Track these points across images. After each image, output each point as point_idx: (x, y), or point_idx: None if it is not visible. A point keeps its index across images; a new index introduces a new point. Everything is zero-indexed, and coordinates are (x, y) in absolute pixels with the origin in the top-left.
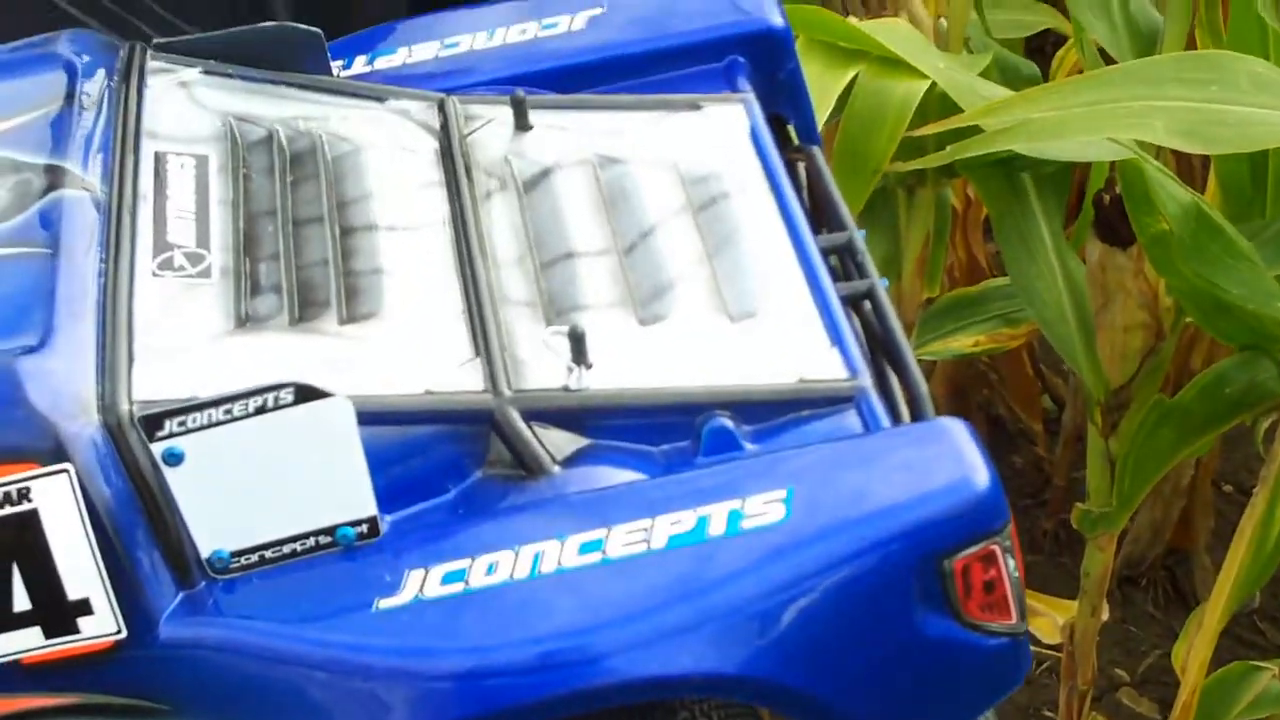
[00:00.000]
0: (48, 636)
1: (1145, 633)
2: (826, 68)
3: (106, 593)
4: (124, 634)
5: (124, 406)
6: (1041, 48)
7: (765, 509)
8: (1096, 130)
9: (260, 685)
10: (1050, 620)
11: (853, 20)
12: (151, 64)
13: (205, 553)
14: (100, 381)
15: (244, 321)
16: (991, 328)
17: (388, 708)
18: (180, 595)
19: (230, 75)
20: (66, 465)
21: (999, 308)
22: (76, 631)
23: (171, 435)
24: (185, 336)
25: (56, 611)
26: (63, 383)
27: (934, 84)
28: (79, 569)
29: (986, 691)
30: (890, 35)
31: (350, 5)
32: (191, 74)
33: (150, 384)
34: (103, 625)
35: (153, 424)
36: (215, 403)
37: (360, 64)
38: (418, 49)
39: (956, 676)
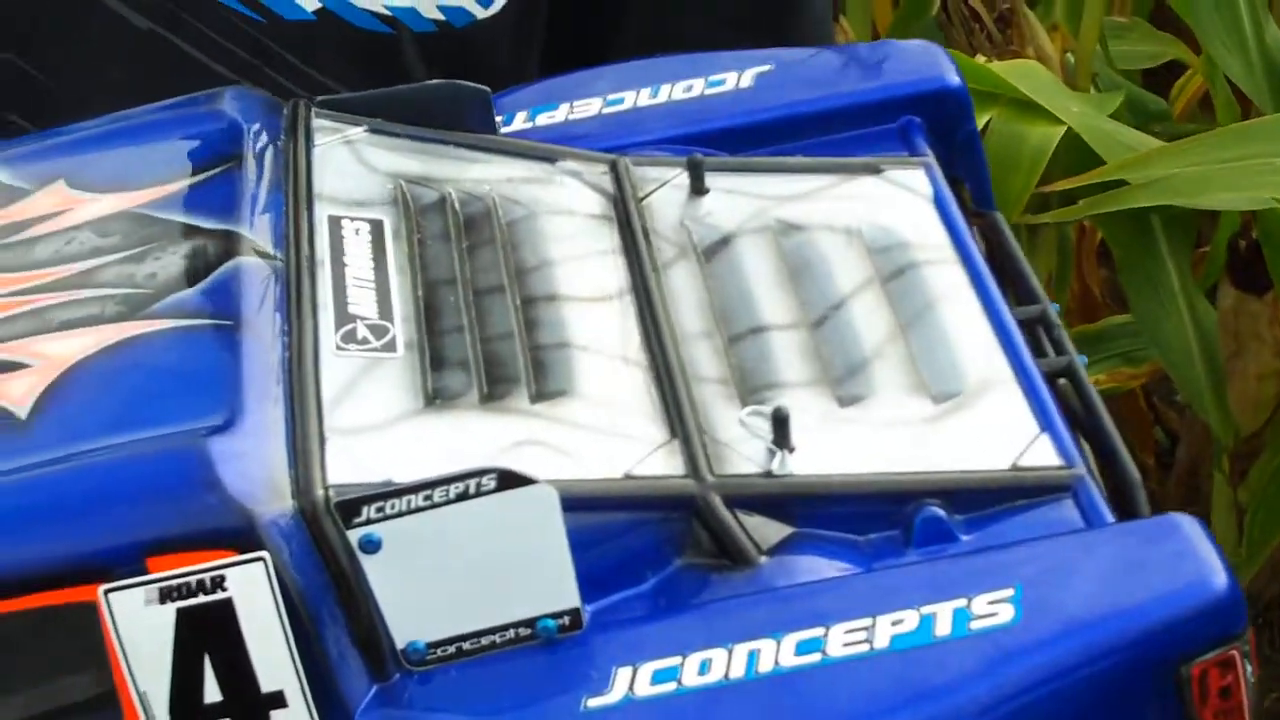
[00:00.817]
0: None
1: (1263, 674)
2: None
3: (301, 686)
4: None
5: (319, 491)
6: (1156, 72)
7: (993, 609)
8: (1242, 188)
9: None
10: None
11: (980, 59)
12: (316, 121)
13: (401, 644)
14: (293, 464)
15: (433, 399)
16: (1112, 366)
17: None
18: (374, 688)
19: (396, 134)
20: (263, 553)
21: (1119, 346)
22: None
23: (369, 522)
24: (374, 416)
25: (248, 704)
26: (255, 465)
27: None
28: (273, 661)
29: None
30: (1024, 78)
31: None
32: (357, 132)
33: (343, 467)
34: (296, 718)
35: (349, 510)
36: (414, 488)
37: (520, 120)
38: (579, 105)
39: None
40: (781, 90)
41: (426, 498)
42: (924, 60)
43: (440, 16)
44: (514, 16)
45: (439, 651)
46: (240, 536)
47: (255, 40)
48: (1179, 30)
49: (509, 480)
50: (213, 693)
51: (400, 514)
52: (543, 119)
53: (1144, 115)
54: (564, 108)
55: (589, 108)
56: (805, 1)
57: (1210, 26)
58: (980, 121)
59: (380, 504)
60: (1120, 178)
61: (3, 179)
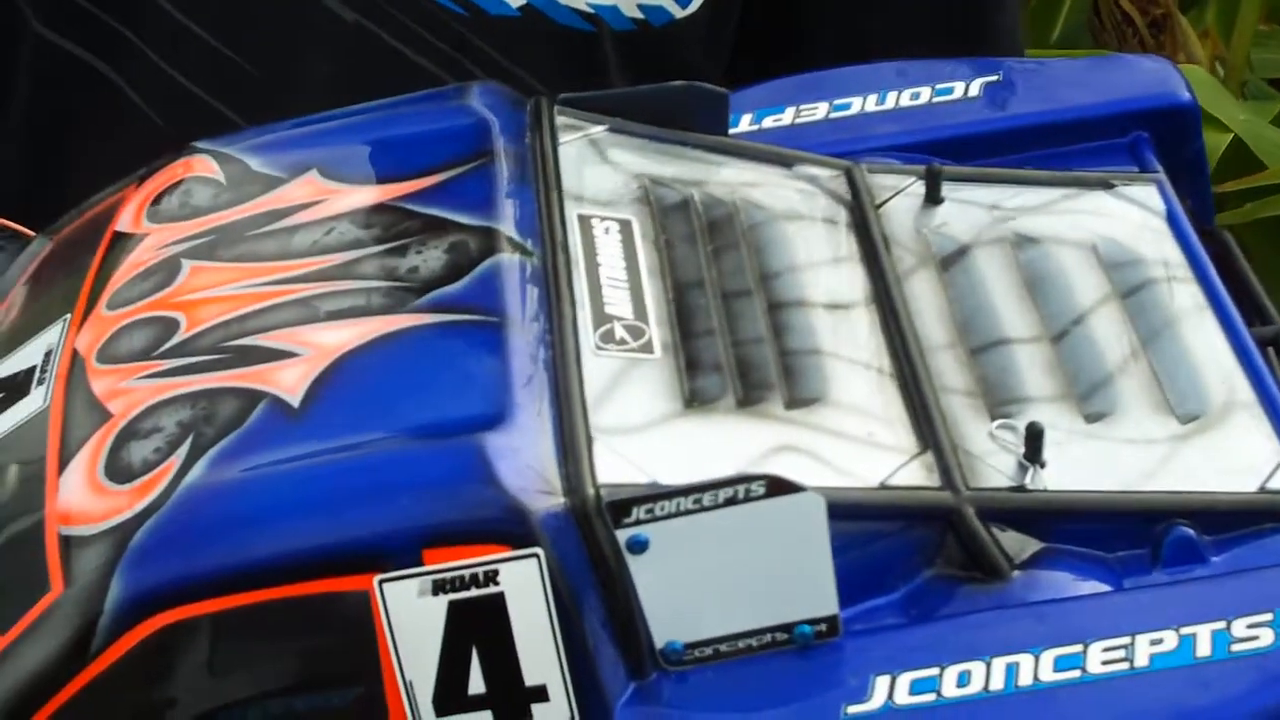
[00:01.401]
0: None
1: None
2: None
3: (564, 681)
4: None
5: (589, 490)
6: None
7: (1254, 632)
8: None
9: None
10: None
11: None
12: (559, 119)
13: (659, 643)
14: (562, 462)
15: (690, 402)
16: None
17: None
18: (632, 686)
19: (636, 134)
20: (536, 549)
21: None
22: (528, 717)
23: (638, 522)
24: (636, 416)
25: (511, 697)
26: (528, 462)
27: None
28: (539, 655)
29: None
30: (1194, 85)
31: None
32: (598, 131)
33: (609, 467)
34: (557, 713)
35: (620, 510)
36: (684, 491)
37: (746, 122)
38: (805, 109)
39: None
40: (1010, 101)
41: (696, 501)
42: (1155, 75)
43: (640, 15)
44: (708, 17)
45: (696, 652)
46: (515, 532)
47: (459, 35)
48: None
49: (778, 487)
50: (477, 684)
51: (669, 516)
52: (769, 121)
53: None
54: (790, 111)
55: (815, 112)
56: (998, 12)
57: None
58: None
59: (650, 505)
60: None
61: (254, 167)
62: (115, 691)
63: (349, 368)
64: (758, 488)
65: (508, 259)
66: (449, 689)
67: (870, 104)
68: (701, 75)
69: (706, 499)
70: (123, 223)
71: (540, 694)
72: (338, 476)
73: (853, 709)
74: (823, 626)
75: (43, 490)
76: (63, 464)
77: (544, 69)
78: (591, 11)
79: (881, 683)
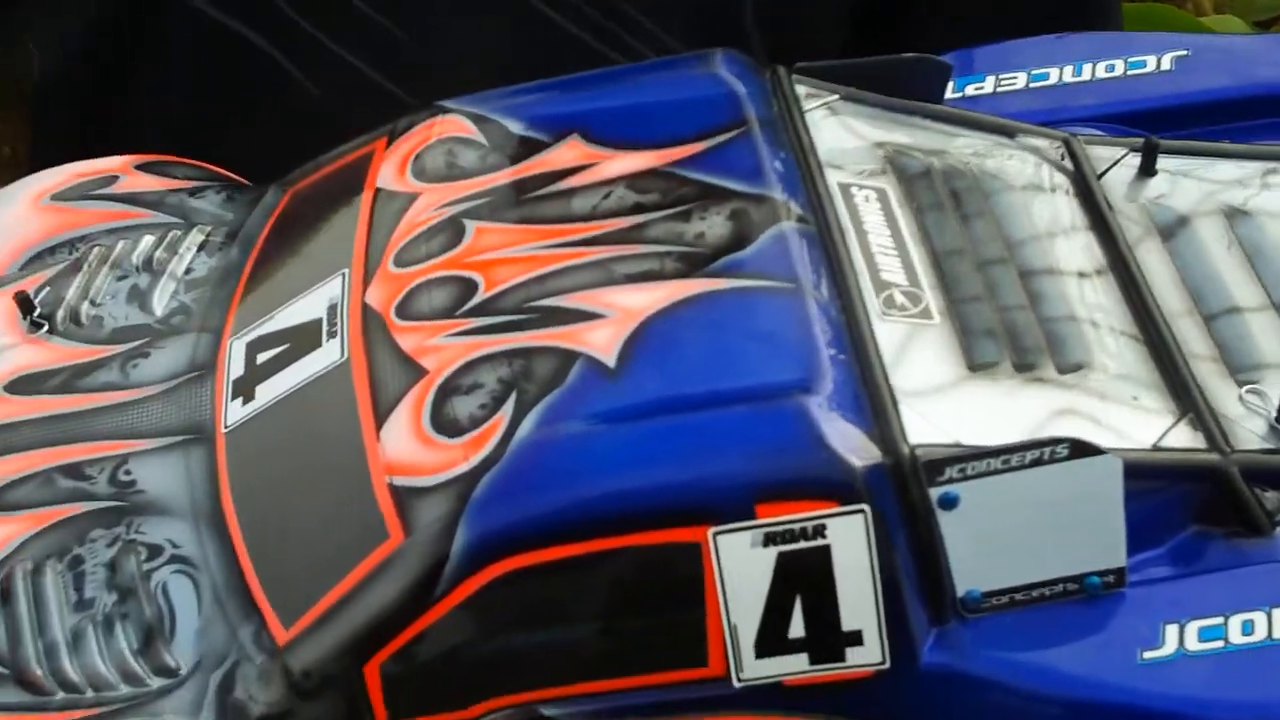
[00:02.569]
0: (812, 662)
1: None
2: None
3: (879, 627)
4: (886, 664)
5: (904, 450)
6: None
7: None
8: None
9: (1007, 711)
10: None
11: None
12: (796, 88)
13: (960, 592)
14: (872, 424)
15: (975, 367)
16: None
17: None
18: (934, 632)
19: (868, 103)
20: (863, 505)
21: None
22: (842, 660)
23: (950, 481)
24: (928, 379)
25: (829, 641)
26: (848, 423)
27: None
28: (858, 604)
29: None
30: (1227, 29)
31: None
32: (835, 100)
33: (916, 428)
34: (869, 656)
35: (935, 469)
36: (995, 452)
37: (949, 90)
38: (1005, 79)
39: None
40: (1202, 74)
41: (1005, 461)
42: None
43: None
44: None
45: (993, 601)
46: (843, 490)
47: (609, 2)
48: None
49: (1080, 450)
50: (797, 629)
51: (979, 475)
52: (970, 89)
53: None
54: (990, 80)
55: (1015, 81)
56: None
57: None
58: None
59: (962, 465)
60: None
61: (513, 129)
62: (457, 631)
63: (657, 330)
64: (1062, 450)
65: (789, 227)
66: (770, 633)
67: (1068, 75)
68: (825, 40)
69: (1015, 459)
70: (383, 180)
71: (856, 638)
72: (671, 436)
73: (1148, 654)
74: (1111, 578)
75: (360, 441)
76: (379, 417)
77: (690, 35)
78: None
79: (1171, 630)
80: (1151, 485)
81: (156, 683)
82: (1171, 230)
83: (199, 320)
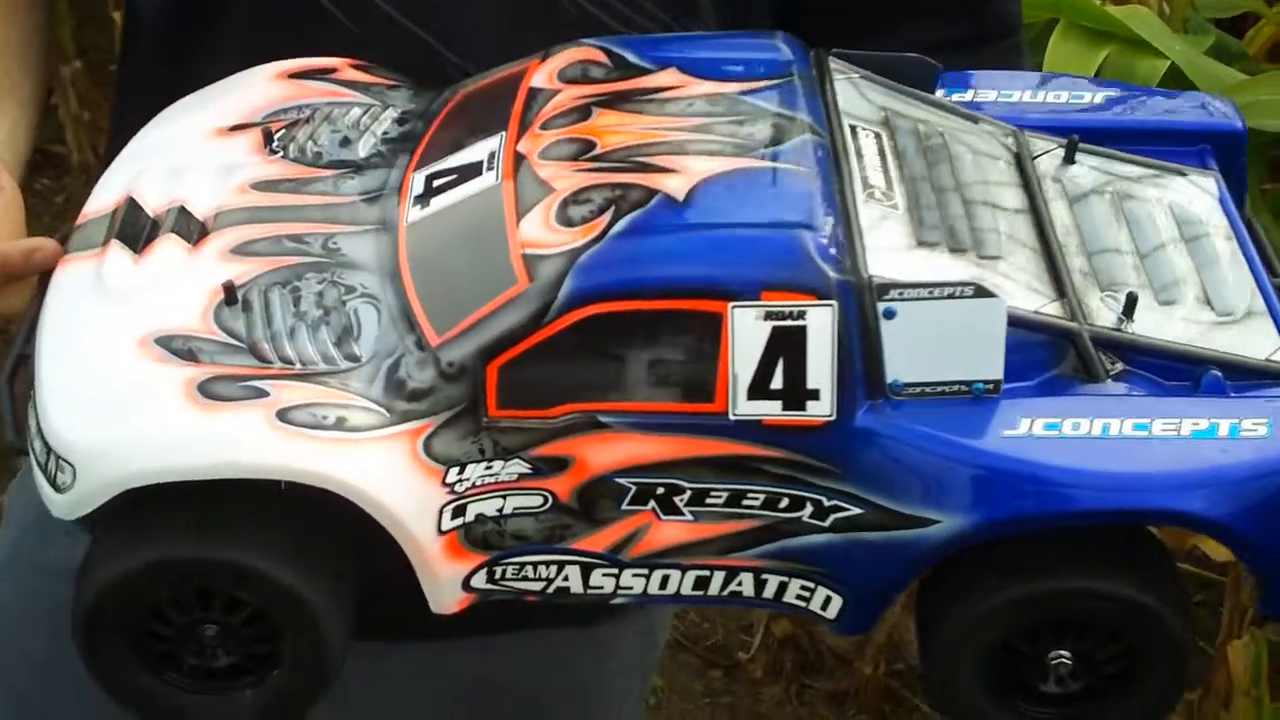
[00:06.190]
0: (784, 409)
1: None
2: (1082, 48)
3: (832, 388)
4: (833, 417)
5: (865, 275)
6: (1227, 23)
7: (1255, 427)
8: None
9: (908, 464)
10: None
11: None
12: (831, 64)
13: (889, 379)
14: (848, 258)
15: (920, 244)
16: None
17: (996, 487)
18: (867, 403)
19: (878, 83)
20: (833, 302)
21: None
22: (803, 409)
23: (892, 300)
24: (888, 243)
25: (797, 392)
26: (830, 251)
27: (1171, 64)
28: (819, 369)
29: None
30: (1135, 19)
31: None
32: (855, 76)
33: (875, 265)
34: (822, 409)
35: (883, 290)
36: (924, 285)
37: (939, 94)
38: (980, 93)
39: None
40: (1122, 110)
41: (930, 292)
42: (1223, 109)
43: None
44: None
45: (909, 390)
46: (821, 289)
47: None
48: None
49: (981, 291)
50: (776, 382)
51: (912, 300)
52: (955, 97)
53: (1227, 56)
54: (970, 92)
55: (988, 95)
56: None
57: None
58: (1098, 57)
59: (901, 290)
60: None
61: (631, 59)
62: (553, 350)
63: (715, 183)
64: (968, 290)
65: (811, 138)
66: (758, 382)
67: (1025, 96)
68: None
69: (937, 292)
70: (536, 81)
71: (815, 395)
72: (714, 242)
73: (1007, 432)
74: (990, 386)
75: (503, 228)
76: (520, 214)
77: (656, 15)
78: None
79: (1024, 421)
80: (1027, 338)
81: (344, 365)
82: (1076, 198)
83: (390, 161)
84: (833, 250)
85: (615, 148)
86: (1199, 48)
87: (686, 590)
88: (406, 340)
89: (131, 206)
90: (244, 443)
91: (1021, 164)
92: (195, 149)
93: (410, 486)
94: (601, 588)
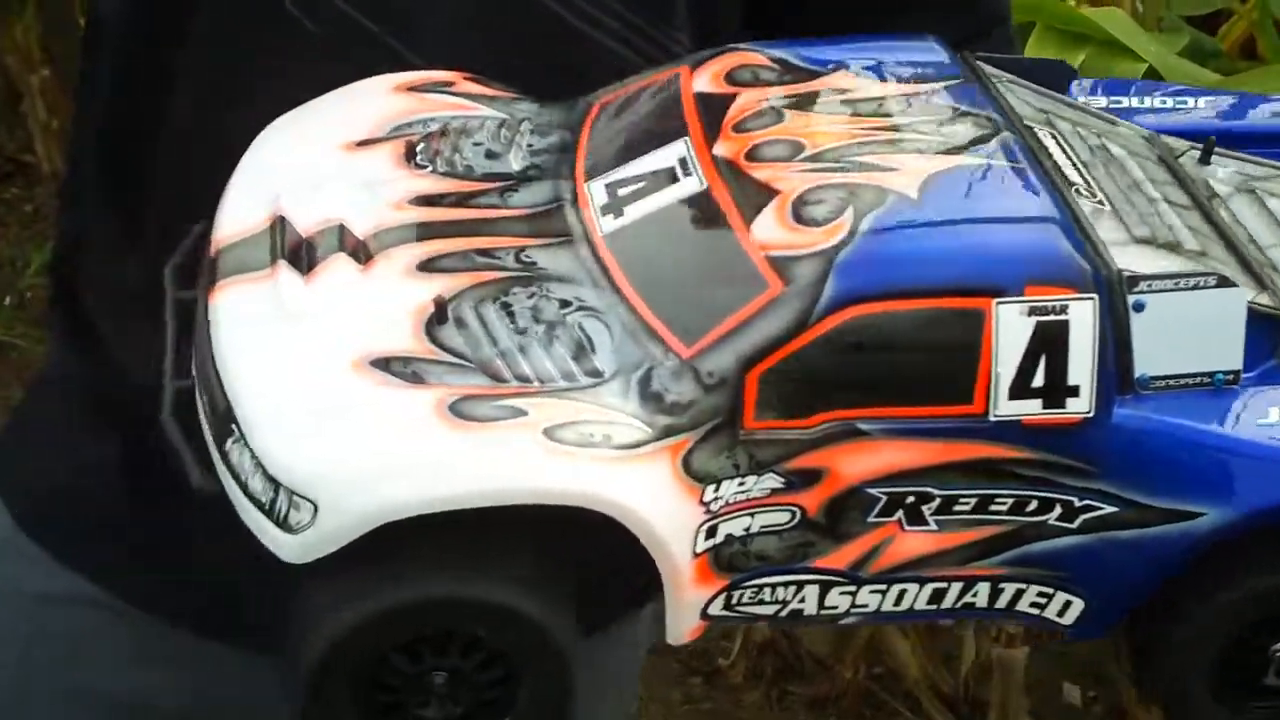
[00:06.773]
0: (1044, 407)
1: None
2: (1059, 50)
3: (1092, 384)
4: (1092, 414)
5: (1115, 268)
6: (1199, 20)
7: None
8: None
9: (1169, 459)
10: None
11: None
12: (977, 65)
13: (1138, 373)
14: (1097, 254)
15: (1135, 240)
16: None
17: (1262, 476)
18: (1118, 397)
19: (1021, 85)
20: (1093, 295)
21: None
22: (1064, 407)
23: (1142, 292)
24: (1109, 238)
25: (1058, 389)
26: (1082, 245)
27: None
28: (1081, 365)
29: None
30: (1110, 21)
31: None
32: (1004, 78)
33: (1117, 258)
34: (1082, 405)
35: (1133, 282)
36: (1170, 277)
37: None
38: (1090, 99)
39: None
40: (1229, 113)
41: (1175, 283)
42: None
43: None
44: None
45: (1156, 383)
46: (1082, 282)
47: None
48: None
49: (1223, 282)
50: (1038, 379)
51: (1159, 291)
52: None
53: (1202, 54)
54: (1081, 98)
55: (1099, 101)
56: None
57: None
58: (1075, 60)
59: (1149, 281)
60: None
61: (796, 62)
62: (814, 356)
63: (941, 179)
64: (1211, 280)
65: (1010, 137)
66: (1021, 380)
67: (1134, 101)
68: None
69: (1182, 283)
70: (700, 86)
71: (1075, 391)
72: (972, 238)
73: (1260, 422)
74: (1231, 376)
75: (732, 232)
76: (747, 218)
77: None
78: None
79: (1274, 410)
80: (1259, 327)
81: (587, 381)
82: (1227, 196)
83: (552, 172)
84: (1083, 244)
85: (826, 148)
86: (1174, 47)
87: (921, 605)
88: (653, 352)
89: (284, 226)
90: (516, 465)
91: (1169, 165)
92: (329, 165)
93: (673, 506)
94: (836, 607)
